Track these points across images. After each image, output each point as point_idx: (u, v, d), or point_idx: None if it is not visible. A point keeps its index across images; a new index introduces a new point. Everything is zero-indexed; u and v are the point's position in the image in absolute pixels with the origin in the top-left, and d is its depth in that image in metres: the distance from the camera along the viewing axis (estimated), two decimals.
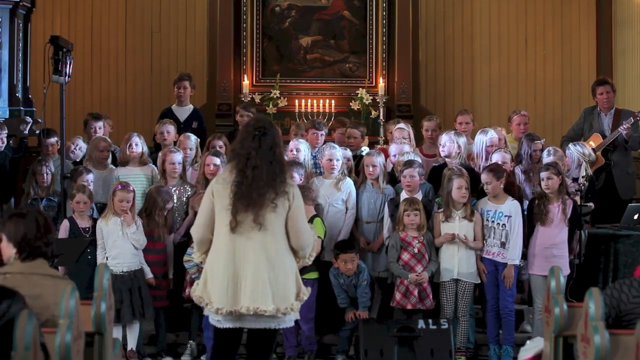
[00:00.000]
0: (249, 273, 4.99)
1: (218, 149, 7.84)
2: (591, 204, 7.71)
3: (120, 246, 7.03)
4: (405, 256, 7.03)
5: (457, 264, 7.07)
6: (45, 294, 3.99)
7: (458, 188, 7.06)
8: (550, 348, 4.53)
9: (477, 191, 7.32)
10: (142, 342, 7.20)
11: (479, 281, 7.14)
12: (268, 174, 5.01)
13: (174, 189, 7.54)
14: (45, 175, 7.61)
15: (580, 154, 7.89)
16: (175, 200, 7.46)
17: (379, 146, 9.36)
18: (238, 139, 5.27)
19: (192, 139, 8.10)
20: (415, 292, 6.96)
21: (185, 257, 7.03)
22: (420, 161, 7.56)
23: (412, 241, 7.04)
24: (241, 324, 5.12)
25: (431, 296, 7.01)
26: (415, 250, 7.03)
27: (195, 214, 5.93)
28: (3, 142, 8.18)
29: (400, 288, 7.01)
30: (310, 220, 6.71)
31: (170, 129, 8.27)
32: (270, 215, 5.01)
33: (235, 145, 5.27)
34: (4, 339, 3.37)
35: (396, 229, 7.13)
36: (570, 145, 8.02)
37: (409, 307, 6.96)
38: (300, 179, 7.35)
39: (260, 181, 4.99)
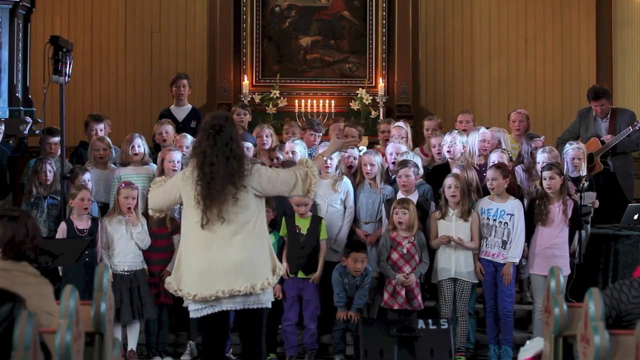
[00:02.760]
0: (220, 260, 5.17)
1: None
2: (596, 201, 7.73)
3: (122, 245, 7.07)
4: (394, 256, 7.02)
5: (455, 263, 7.07)
6: (26, 292, 3.99)
7: (448, 187, 7.07)
8: (550, 348, 4.53)
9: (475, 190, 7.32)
10: (142, 342, 7.21)
11: (477, 280, 7.13)
12: (225, 170, 5.16)
13: None
14: (47, 173, 7.58)
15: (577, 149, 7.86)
16: None
17: (378, 146, 9.36)
18: (197, 137, 5.47)
19: (189, 138, 8.10)
20: (402, 293, 6.94)
21: None
22: (417, 161, 7.53)
23: (402, 241, 7.03)
24: (220, 307, 5.25)
25: (419, 297, 6.98)
26: (404, 251, 7.02)
27: None
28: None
29: (388, 288, 6.99)
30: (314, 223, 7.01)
31: (168, 129, 8.27)
32: (233, 208, 5.17)
33: (194, 144, 5.50)
34: (5, 340, 3.37)
35: (388, 228, 7.13)
36: (567, 145, 8.00)
37: (395, 307, 6.94)
38: None
39: (217, 177, 5.16)
